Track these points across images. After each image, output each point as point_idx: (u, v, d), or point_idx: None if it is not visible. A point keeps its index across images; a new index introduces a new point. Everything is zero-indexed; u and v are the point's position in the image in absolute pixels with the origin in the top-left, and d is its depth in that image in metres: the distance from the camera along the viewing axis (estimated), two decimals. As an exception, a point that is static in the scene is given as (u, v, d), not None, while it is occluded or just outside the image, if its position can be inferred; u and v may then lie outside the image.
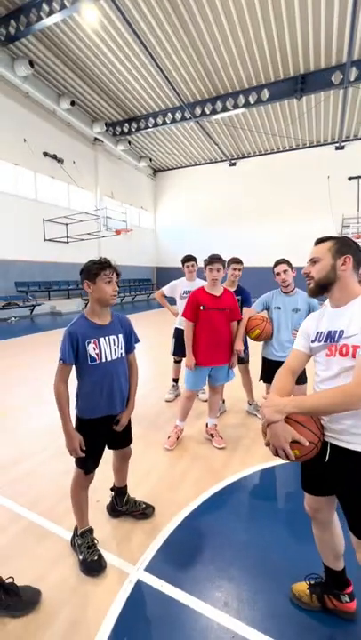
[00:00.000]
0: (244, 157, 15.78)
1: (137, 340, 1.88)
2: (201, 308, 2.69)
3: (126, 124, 13.03)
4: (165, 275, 16.35)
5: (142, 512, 2.00)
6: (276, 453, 1.20)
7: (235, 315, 2.82)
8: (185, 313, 2.80)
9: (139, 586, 1.59)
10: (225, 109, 11.13)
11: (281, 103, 11.21)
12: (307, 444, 1.15)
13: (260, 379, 3.03)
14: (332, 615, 1.47)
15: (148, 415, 3.50)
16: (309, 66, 9.55)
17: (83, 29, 8.46)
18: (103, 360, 1.66)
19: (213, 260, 2.64)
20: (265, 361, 2.95)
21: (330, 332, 1.25)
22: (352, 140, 13.60)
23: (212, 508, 2.14)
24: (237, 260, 3.38)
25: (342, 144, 13.70)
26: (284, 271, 2.70)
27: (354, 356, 1.15)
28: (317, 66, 9.53)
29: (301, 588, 1.53)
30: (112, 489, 2.04)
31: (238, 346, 2.88)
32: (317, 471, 1.31)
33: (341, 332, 1.20)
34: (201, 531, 1.95)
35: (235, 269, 3.36)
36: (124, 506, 2.00)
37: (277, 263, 2.75)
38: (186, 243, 15.87)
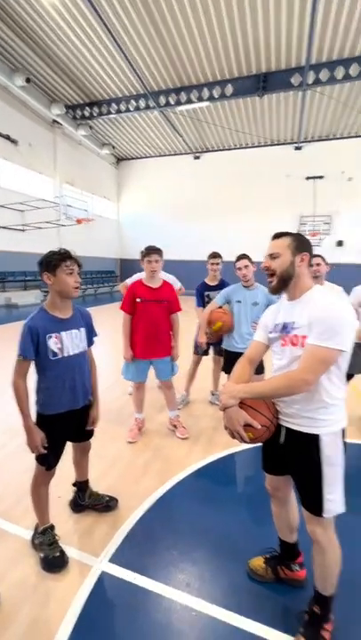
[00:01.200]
0: (209, 151, 15.88)
1: (95, 334, 1.85)
2: (138, 300, 2.70)
3: (87, 108, 12.46)
4: (130, 267, 16.07)
5: (106, 505, 2.01)
6: (232, 436, 1.30)
7: (173, 307, 2.84)
8: (122, 305, 2.79)
9: (102, 577, 1.60)
10: (189, 101, 11.07)
11: (244, 100, 11.40)
12: (259, 427, 1.25)
13: (222, 370, 3.14)
14: (284, 585, 1.60)
15: (111, 409, 3.47)
16: (271, 65, 9.80)
17: (40, 3, 7.89)
18: (65, 354, 1.62)
19: (151, 251, 2.66)
20: (226, 353, 3.06)
21: (285, 323, 1.33)
22: (310, 141, 14.26)
23: (175, 497, 2.20)
24: (215, 255, 3.44)
25: (301, 145, 14.31)
26: (245, 266, 2.80)
27: (303, 346, 1.24)
28: (278, 66, 9.81)
29: (258, 562, 1.65)
30: (74, 484, 2.02)
31: (200, 338, 2.94)
32: (274, 452, 1.41)
33: (293, 323, 1.29)
34: (164, 519, 2.00)
35: (213, 264, 3.42)
36: (86, 500, 1.99)
37: (239, 258, 2.85)
38: (151, 234, 15.69)
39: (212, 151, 15.82)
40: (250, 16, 7.91)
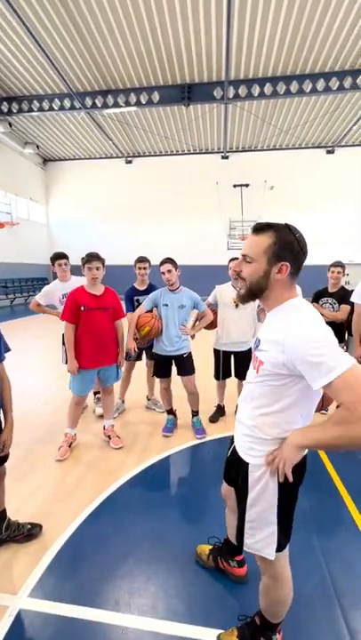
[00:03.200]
0: (141, 156, 15.91)
1: (7, 349, 1.69)
2: (82, 308, 2.60)
3: (5, 103, 11.53)
4: (63, 273, 15.22)
5: (27, 534, 1.83)
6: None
7: (118, 313, 2.81)
8: (64, 315, 2.66)
9: (20, 616, 1.45)
10: (117, 105, 10.96)
11: (171, 108, 11.69)
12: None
13: (153, 374, 3.13)
14: (224, 581, 1.63)
15: (40, 426, 3.22)
16: (194, 77, 10.21)
17: None
18: None
19: (92, 258, 2.58)
20: (157, 356, 3.06)
21: (257, 337, 1.14)
22: (234, 151, 15.20)
23: (107, 510, 2.11)
24: (142, 259, 3.40)
25: (227, 154, 15.18)
26: (168, 270, 2.83)
27: (258, 372, 1.06)
28: (201, 79, 10.27)
29: (204, 549, 1.72)
30: (-13, 517, 1.80)
31: (130, 344, 2.90)
32: (227, 464, 1.37)
33: (259, 341, 1.10)
34: (94, 536, 1.90)
35: (140, 268, 3.37)
36: (3, 532, 1.79)
37: (162, 263, 2.87)
38: (84, 239, 15.12)
39: (144, 156, 15.89)
40: (170, 25, 8.13)
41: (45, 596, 1.54)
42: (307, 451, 1.09)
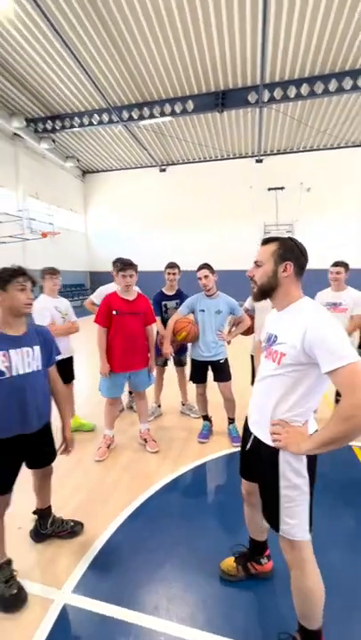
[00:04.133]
0: (174, 164, 16.19)
1: (58, 353, 1.79)
2: (114, 312, 2.67)
3: (49, 122, 12.33)
4: (100, 279, 15.83)
5: (70, 531, 1.91)
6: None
7: (149, 319, 2.85)
8: (97, 318, 2.74)
9: (65, 610, 1.51)
10: (152, 116, 11.28)
11: (205, 115, 11.80)
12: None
13: (190, 379, 3.13)
14: (256, 596, 1.58)
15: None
16: (228, 83, 10.25)
17: (-6, 15, 7.78)
18: (14, 374, 1.53)
19: (126, 266, 2.64)
20: (193, 362, 3.06)
21: (269, 335, 1.28)
22: (269, 154, 14.97)
23: (144, 514, 2.13)
24: (171, 265, 3.46)
25: (261, 157, 14.98)
26: (205, 276, 2.84)
27: (279, 364, 1.18)
28: (235, 84, 10.28)
29: (229, 562, 1.67)
30: (34, 512, 1.90)
31: (166, 349, 2.93)
32: (246, 459, 1.45)
33: (276, 337, 1.23)
34: (132, 539, 1.93)
35: (170, 274, 3.43)
36: (48, 528, 1.88)
37: (199, 268, 2.88)
38: (119, 247, 15.62)
39: (178, 164, 16.15)
40: (205, 35, 8.26)
41: (88, 593, 1.58)
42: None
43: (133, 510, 2.16)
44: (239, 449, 2.82)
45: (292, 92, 9.89)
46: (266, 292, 1.26)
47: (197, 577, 1.68)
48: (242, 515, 1.78)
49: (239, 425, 3.16)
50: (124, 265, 2.66)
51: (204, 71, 9.69)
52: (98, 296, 3.43)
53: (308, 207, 14.38)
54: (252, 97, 10.29)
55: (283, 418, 1.19)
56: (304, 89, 9.77)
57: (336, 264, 3.14)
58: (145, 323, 2.83)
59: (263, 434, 1.27)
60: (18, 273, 1.54)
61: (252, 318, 3.17)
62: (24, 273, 1.56)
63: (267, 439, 1.24)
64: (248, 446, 1.38)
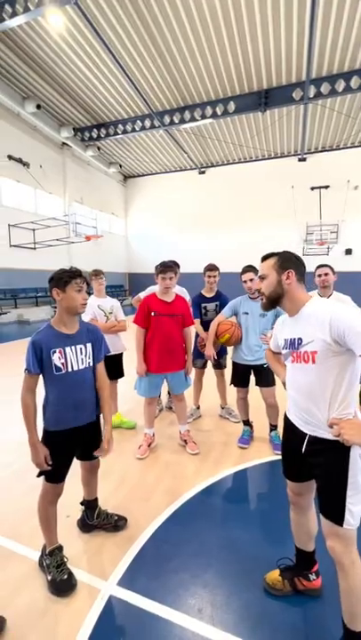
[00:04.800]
0: (213, 166, 16.16)
1: (107, 351, 1.86)
2: (152, 314, 2.70)
3: (95, 130, 12.93)
4: (138, 281, 16.28)
5: (115, 525, 1.96)
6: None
7: (187, 321, 2.84)
8: (136, 319, 2.79)
9: (110, 601, 1.55)
10: (193, 119, 11.37)
11: (247, 116, 11.65)
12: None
13: (231, 382, 3.09)
14: (303, 609, 1.51)
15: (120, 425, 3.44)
16: (272, 82, 10.03)
17: (48, 33, 8.34)
18: (69, 370, 1.62)
19: (166, 268, 2.67)
20: (235, 365, 3.01)
21: (292, 339, 1.35)
22: (313, 152, 14.39)
23: (186, 515, 2.13)
24: (211, 267, 3.45)
25: (304, 156, 14.45)
26: (250, 279, 2.78)
27: (314, 362, 1.24)
28: (279, 82, 10.03)
29: (274, 576, 1.61)
30: (82, 503, 1.98)
31: (208, 351, 2.91)
32: (296, 459, 1.41)
33: (300, 339, 1.30)
34: (175, 539, 1.93)
35: (210, 276, 3.43)
36: (95, 519, 1.95)
37: (244, 271, 2.83)
38: (157, 249, 15.92)
39: (217, 166, 16.10)
40: (249, 34, 8.17)
41: (132, 588, 1.61)
42: None
43: (175, 510, 2.16)
44: (278, 457, 2.77)
45: (340, 85, 9.45)
46: (274, 300, 1.36)
47: (241, 586, 1.64)
48: (286, 527, 1.72)
49: (281, 432, 3.07)
50: (164, 267, 2.70)
51: (247, 71, 9.57)
52: (146, 294, 3.52)
53: (355, 206, 13.61)
54: (296, 94, 9.98)
55: (335, 414, 1.23)
56: (354, 82, 9.29)
57: (322, 265, 2.99)
58: (183, 325, 2.84)
59: (320, 430, 1.28)
60: (76, 274, 1.62)
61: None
62: (80, 274, 1.64)
63: (326, 435, 1.25)
64: (304, 448, 1.35)
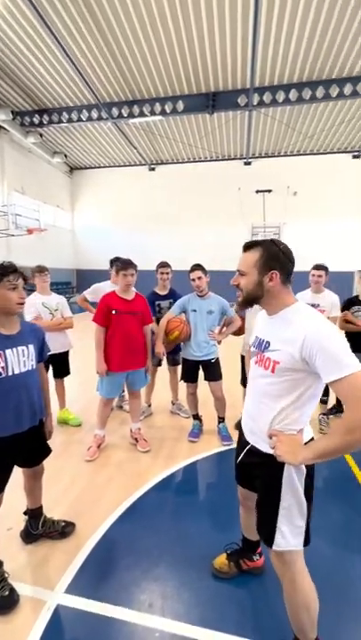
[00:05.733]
0: (163, 164, 16.16)
1: (48, 350, 1.77)
2: (113, 312, 2.67)
3: (37, 116, 12.06)
4: (87, 277, 15.65)
5: (61, 532, 1.89)
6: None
7: (147, 319, 2.86)
8: (96, 318, 2.73)
9: (58, 611, 1.49)
10: (142, 114, 11.23)
11: (195, 116, 11.83)
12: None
13: (181, 378, 3.15)
14: (246, 586, 1.61)
15: (68, 427, 3.31)
16: (219, 85, 10.32)
17: (-20, 4, 7.55)
18: (10, 373, 1.51)
19: (128, 265, 2.65)
20: (184, 361, 3.08)
21: (260, 340, 1.23)
22: (257, 157, 15.16)
23: (137, 513, 2.13)
24: (164, 264, 3.46)
25: (249, 160, 15.16)
26: (198, 277, 2.86)
27: (273, 371, 1.13)
28: (226, 87, 10.36)
29: (221, 560, 1.69)
30: (25, 512, 1.87)
31: (158, 348, 2.93)
32: (242, 468, 1.39)
33: (268, 343, 1.18)
34: (125, 538, 1.93)
35: (162, 273, 3.43)
36: (40, 529, 1.85)
37: (192, 269, 2.90)
38: (107, 245, 15.49)
39: (167, 163, 16.13)
40: (197, 39, 8.30)
41: (81, 594, 1.57)
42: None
43: (126, 509, 2.15)
44: (229, 448, 2.91)
45: (280, 96, 10.06)
46: (251, 301, 1.21)
47: (192, 574, 1.69)
48: (234, 512, 1.81)
49: (229, 424, 3.22)
50: (125, 264, 2.66)
51: (195, 72, 9.72)
52: (91, 293, 3.43)
53: (295, 211, 14.66)
54: (242, 100, 10.40)
55: (278, 427, 1.15)
56: (292, 94, 9.96)
57: (317, 267, 3.22)
58: (143, 322, 2.84)
59: (261, 442, 1.23)
60: (8, 271, 1.47)
61: (243, 319, 3.22)
62: (14, 270, 1.50)
63: (266, 448, 1.19)
64: (241, 457, 1.34)
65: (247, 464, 1.33)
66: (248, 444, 1.30)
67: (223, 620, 1.47)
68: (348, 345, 1.02)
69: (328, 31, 7.87)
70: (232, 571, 1.66)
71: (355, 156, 14.29)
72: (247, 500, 1.50)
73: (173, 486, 2.45)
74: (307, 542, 1.19)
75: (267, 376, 1.17)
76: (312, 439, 1.19)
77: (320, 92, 9.73)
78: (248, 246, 1.21)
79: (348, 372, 0.95)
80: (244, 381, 3.35)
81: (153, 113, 11.14)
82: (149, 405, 3.65)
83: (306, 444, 1.13)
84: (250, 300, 1.21)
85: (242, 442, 1.36)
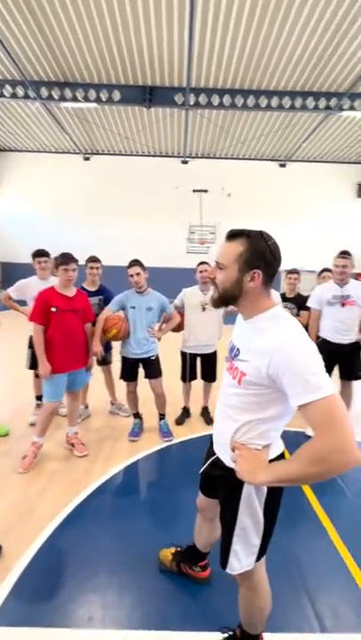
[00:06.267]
0: (99, 154, 15.50)
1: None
2: (53, 309, 2.48)
3: None
4: (13, 271, 14.27)
5: (-14, 556, 1.68)
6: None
7: (88, 316, 2.74)
8: (33, 316, 2.51)
9: (-18, 647, 1.33)
10: (75, 99, 10.58)
11: (132, 108, 11.57)
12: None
13: (121, 377, 3.06)
14: (189, 587, 1.63)
15: (-6, 437, 2.97)
16: (156, 80, 10.24)
17: None
18: None
19: (69, 259, 2.49)
20: (124, 359, 2.99)
21: (232, 345, 1.12)
22: (194, 157, 15.51)
23: (74, 522, 2.01)
24: (93, 259, 3.29)
25: (187, 159, 15.43)
26: (137, 273, 2.80)
27: (239, 383, 1.02)
28: (163, 82, 10.33)
29: (166, 553, 1.70)
30: None
31: (96, 347, 2.80)
32: (207, 478, 1.32)
33: (238, 350, 1.06)
34: (61, 550, 1.80)
35: (92, 268, 3.26)
36: None
37: (130, 265, 2.82)
38: (37, 236, 14.31)
39: (104, 154, 15.53)
40: (133, 30, 8.09)
41: (10, 622, 1.42)
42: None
43: (61, 521, 2.01)
44: (170, 444, 2.93)
45: (215, 100, 10.41)
46: (228, 300, 1.05)
47: (133, 577, 1.66)
48: (175, 509, 1.83)
49: (170, 420, 3.24)
50: (66, 259, 2.48)
51: (132, 63, 9.49)
52: (16, 290, 3.11)
53: (230, 212, 15.39)
54: (178, 98, 10.49)
55: (241, 440, 1.04)
56: (226, 99, 10.38)
57: (344, 255, 2.93)
58: (84, 320, 2.69)
59: (225, 454, 1.13)
60: None
61: (182, 315, 3.26)
62: None
63: (229, 461, 1.10)
64: (205, 467, 1.27)
65: (210, 475, 1.25)
66: (215, 454, 1.21)
67: (165, 618, 1.47)
68: (321, 364, 0.88)
69: (258, 44, 8.37)
70: (173, 568, 1.67)
71: (281, 165, 15.56)
72: (205, 510, 1.44)
73: (113, 489, 2.37)
74: (260, 557, 1.13)
75: (233, 386, 1.06)
76: (282, 455, 1.10)
77: (251, 101, 10.32)
78: (233, 235, 1.02)
79: (318, 396, 0.82)
80: (184, 377, 3.41)
81: (87, 99, 10.58)
82: (86, 407, 3.48)
83: (271, 461, 1.03)
84: (226, 299, 1.05)
85: (209, 451, 1.28)
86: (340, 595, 1.61)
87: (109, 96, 10.55)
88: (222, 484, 1.16)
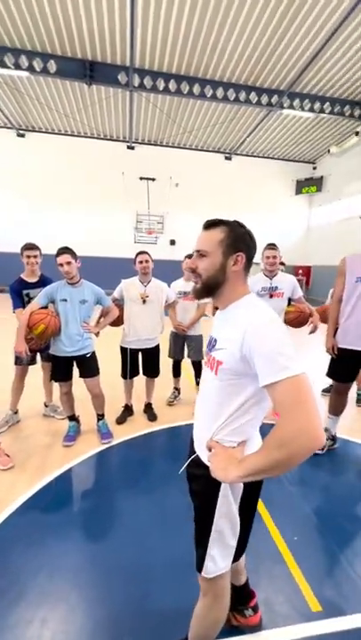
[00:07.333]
0: (36, 131, 14.17)
1: None
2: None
3: None
4: None
5: None
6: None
7: None
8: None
9: None
10: (4, 65, 9.42)
11: (72, 83, 10.69)
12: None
13: (52, 378, 2.78)
14: (135, 615, 1.50)
15: None
16: (97, 55, 9.53)
17: None
18: None
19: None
20: (55, 358, 2.71)
21: (210, 337, 1.10)
22: (140, 143, 14.98)
23: (-9, 549, 1.75)
24: (30, 246, 2.90)
25: (133, 145, 14.84)
26: (67, 262, 2.51)
27: (216, 373, 1.00)
28: (104, 58, 9.66)
29: None
30: None
31: (19, 346, 2.48)
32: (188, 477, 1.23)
33: (215, 341, 1.04)
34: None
35: (29, 256, 2.88)
36: None
37: (59, 253, 2.52)
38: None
39: (41, 132, 14.25)
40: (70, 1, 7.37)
41: None
42: None
43: (-25, 549, 1.74)
44: (110, 445, 2.75)
45: (160, 84, 10.08)
46: (212, 288, 1.03)
47: (60, 606, 1.48)
48: (113, 518, 1.65)
49: (110, 419, 3.05)
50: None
51: (69, 32, 8.69)
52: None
53: (177, 201, 15.26)
54: (122, 77, 9.94)
55: (217, 437, 1.02)
56: (172, 85, 10.11)
57: (273, 247, 3.01)
58: None
59: (203, 452, 1.08)
60: None
61: (121, 308, 3.06)
62: None
63: (205, 459, 1.06)
64: (184, 468, 1.19)
65: (190, 475, 1.18)
66: (193, 452, 1.15)
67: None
68: (290, 344, 0.86)
69: (202, 29, 8.20)
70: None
71: (227, 157, 15.80)
72: None
73: (41, 504, 2.13)
74: (236, 558, 1.11)
75: (211, 379, 1.03)
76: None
77: (197, 89, 10.19)
78: (211, 224, 1.04)
79: (283, 375, 0.81)
80: (125, 374, 3.23)
81: (18, 66, 9.50)
82: (16, 412, 3.12)
83: None
84: (210, 287, 1.03)
85: (190, 450, 1.20)
86: (275, 585, 1.62)
87: (44, 66, 9.61)
88: (200, 485, 1.10)
